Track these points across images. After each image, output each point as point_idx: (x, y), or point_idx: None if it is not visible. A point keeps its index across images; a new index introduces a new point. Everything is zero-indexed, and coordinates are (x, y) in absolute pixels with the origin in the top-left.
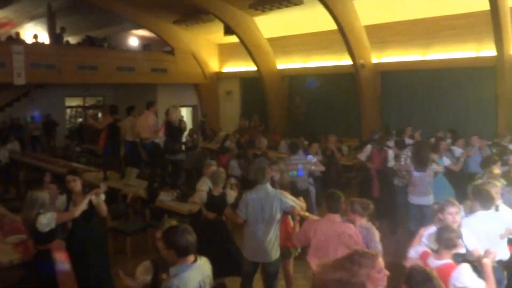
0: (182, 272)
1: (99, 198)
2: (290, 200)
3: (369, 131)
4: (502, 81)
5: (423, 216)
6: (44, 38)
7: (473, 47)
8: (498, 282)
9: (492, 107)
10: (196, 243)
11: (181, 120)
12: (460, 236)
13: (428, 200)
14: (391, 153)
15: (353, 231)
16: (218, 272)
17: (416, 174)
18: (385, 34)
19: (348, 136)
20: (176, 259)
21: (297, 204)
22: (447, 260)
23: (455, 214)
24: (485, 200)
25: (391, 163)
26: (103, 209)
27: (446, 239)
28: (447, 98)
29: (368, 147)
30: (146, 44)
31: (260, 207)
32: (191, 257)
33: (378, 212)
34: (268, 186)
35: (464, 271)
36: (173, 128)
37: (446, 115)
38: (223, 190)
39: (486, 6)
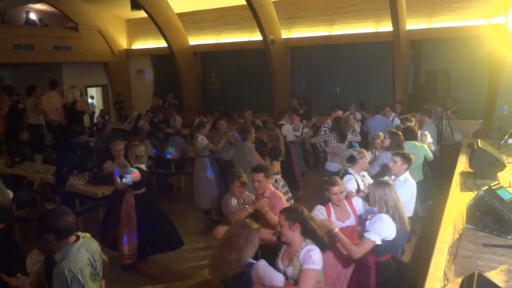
0: (67, 254)
1: None
2: (255, 159)
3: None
4: (398, 55)
5: None
6: None
7: (372, 23)
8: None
9: (390, 80)
10: (75, 223)
11: (76, 101)
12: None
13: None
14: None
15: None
16: (161, 247)
17: (338, 144)
18: (293, 10)
19: (262, 111)
20: (58, 243)
21: (259, 162)
22: None
23: (339, 193)
24: None
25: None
26: None
27: None
28: (351, 72)
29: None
30: (40, 18)
31: (238, 156)
32: (72, 238)
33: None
34: (246, 143)
35: None
36: (69, 110)
37: (350, 88)
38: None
39: None
